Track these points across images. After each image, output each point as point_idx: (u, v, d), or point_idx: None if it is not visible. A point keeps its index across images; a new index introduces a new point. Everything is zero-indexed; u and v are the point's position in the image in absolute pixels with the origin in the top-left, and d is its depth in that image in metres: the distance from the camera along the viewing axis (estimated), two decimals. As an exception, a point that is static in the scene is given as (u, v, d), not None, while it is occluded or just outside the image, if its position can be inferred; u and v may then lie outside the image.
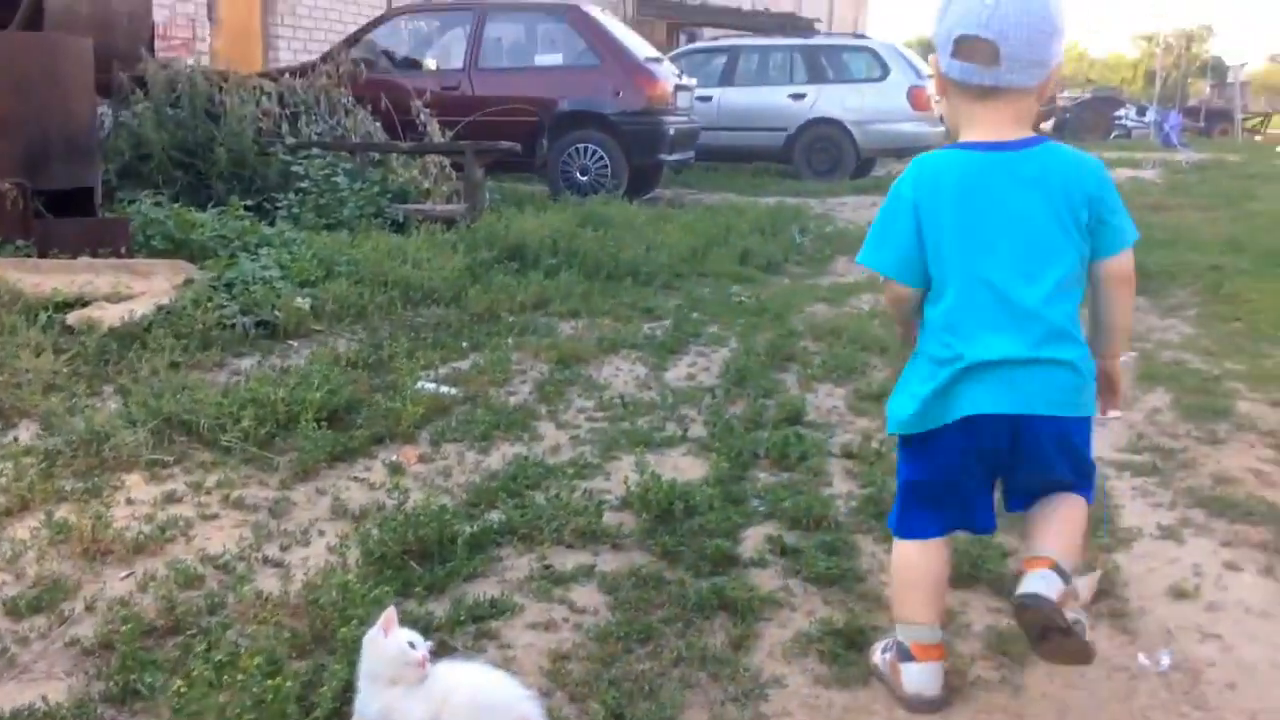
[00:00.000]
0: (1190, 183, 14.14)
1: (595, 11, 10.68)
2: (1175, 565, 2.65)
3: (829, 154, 13.82)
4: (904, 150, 14.48)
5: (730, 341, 4.82)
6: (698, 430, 3.57)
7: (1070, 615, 1.86)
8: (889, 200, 2.05)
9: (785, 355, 4.55)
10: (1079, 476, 2.03)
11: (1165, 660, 2.21)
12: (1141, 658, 2.22)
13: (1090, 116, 31.19)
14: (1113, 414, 3.80)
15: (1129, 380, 1.98)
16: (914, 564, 2.08)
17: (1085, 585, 2.48)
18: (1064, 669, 2.10)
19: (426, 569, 2.45)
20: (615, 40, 10.20)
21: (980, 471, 2.03)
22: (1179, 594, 2.49)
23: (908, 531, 2.09)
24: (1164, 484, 3.20)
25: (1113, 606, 2.43)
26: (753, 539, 2.72)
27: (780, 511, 2.86)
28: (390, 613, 1.79)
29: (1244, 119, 34.99)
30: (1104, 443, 3.56)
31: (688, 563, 2.57)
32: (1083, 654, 1.91)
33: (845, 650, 2.21)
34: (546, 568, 2.52)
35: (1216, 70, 53.28)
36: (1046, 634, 1.87)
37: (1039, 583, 1.87)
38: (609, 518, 2.79)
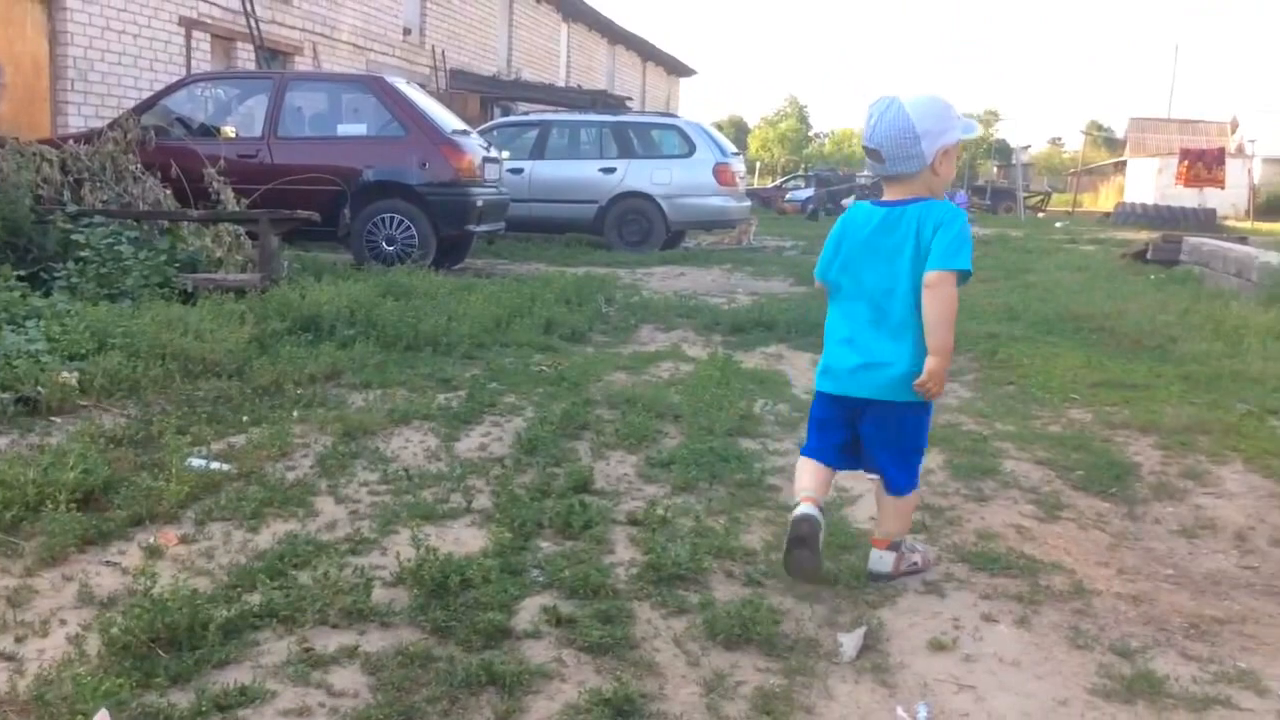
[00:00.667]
0: (975, 256, 14.97)
1: (400, 83, 10.65)
2: (936, 619, 2.73)
3: (639, 226, 14.11)
4: (712, 223, 14.96)
5: (526, 411, 4.79)
6: (483, 501, 3.51)
7: (905, 566, 3.00)
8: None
9: (580, 424, 4.55)
10: (901, 453, 2.95)
11: (922, 713, 2.26)
12: (899, 711, 2.27)
13: (888, 193, 32.80)
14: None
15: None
16: (800, 466, 3.05)
17: (851, 642, 2.54)
18: (824, 727, 2.14)
19: (173, 657, 2.30)
20: (421, 112, 10.18)
21: (841, 426, 2.99)
22: (938, 647, 2.57)
23: (804, 450, 3.07)
24: (931, 540, 3.31)
25: (875, 661, 2.48)
26: (528, 610, 2.67)
27: (559, 581, 2.82)
28: (102, 714, 1.66)
29: (1026, 197, 37.53)
30: (879, 502, 3.69)
31: (459, 638, 2.50)
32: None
33: (613, 719, 2.18)
34: (306, 650, 2.40)
35: (1002, 152, 57.12)
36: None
37: (878, 562, 2.97)
38: (379, 595, 2.70)
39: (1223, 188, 35.08)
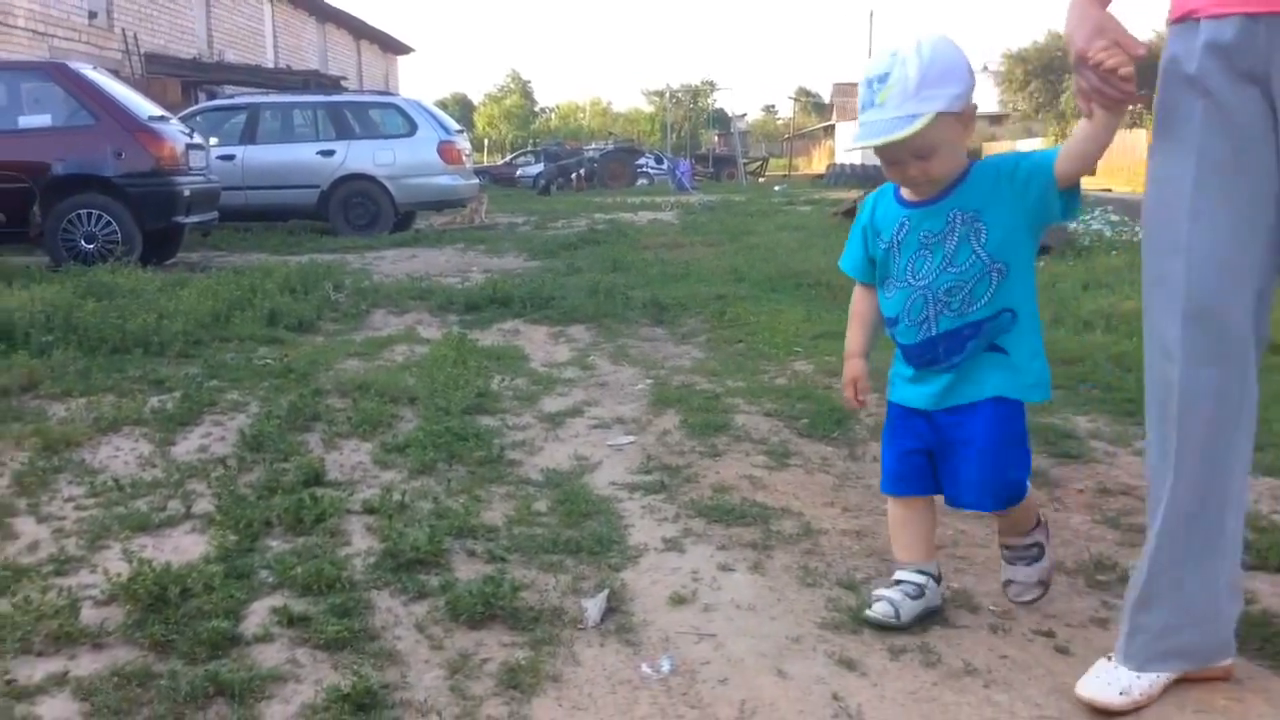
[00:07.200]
0: (701, 222, 15.49)
1: (86, 69, 9.87)
2: (676, 574, 2.79)
3: (366, 209, 13.72)
4: (441, 203, 14.72)
5: (251, 407, 4.55)
6: (205, 505, 3.30)
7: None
8: None
9: (310, 415, 4.36)
10: None
11: (666, 666, 2.30)
12: (644, 667, 2.30)
13: (615, 166, 33.43)
14: (623, 440, 4.00)
15: None
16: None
17: (595, 606, 2.55)
18: (570, 695, 2.15)
19: None
20: (111, 98, 9.46)
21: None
22: (678, 600, 2.62)
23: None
24: (670, 499, 3.38)
25: (619, 622, 2.50)
26: (258, 614, 2.53)
27: (290, 580, 2.68)
28: None
29: (746, 163, 39.11)
30: (618, 467, 3.73)
31: (181, 651, 2.33)
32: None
33: (354, 714, 2.09)
34: (8, 683, 2.18)
35: (720, 121, 59.14)
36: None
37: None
38: (90, 615, 2.49)
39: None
